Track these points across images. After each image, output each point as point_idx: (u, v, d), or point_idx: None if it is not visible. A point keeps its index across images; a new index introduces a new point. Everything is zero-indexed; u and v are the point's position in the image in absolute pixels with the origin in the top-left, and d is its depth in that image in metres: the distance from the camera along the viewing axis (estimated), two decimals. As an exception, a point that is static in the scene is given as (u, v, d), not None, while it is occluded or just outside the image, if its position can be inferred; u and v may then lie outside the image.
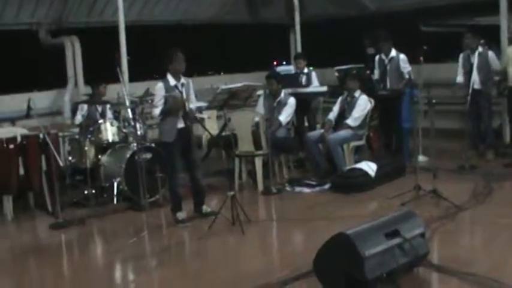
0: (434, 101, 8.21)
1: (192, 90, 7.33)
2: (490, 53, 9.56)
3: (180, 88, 7.10)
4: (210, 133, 8.05)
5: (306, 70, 10.60)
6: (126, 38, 10.06)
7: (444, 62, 11.93)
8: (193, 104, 7.34)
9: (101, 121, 8.54)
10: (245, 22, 13.75)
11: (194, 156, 7.42)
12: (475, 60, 9.33)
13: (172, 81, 7.09)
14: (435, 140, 8.34)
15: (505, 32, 9.93)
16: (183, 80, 7.17)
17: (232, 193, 6.92)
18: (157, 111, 7.06)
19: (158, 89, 7.08)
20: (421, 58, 7.80)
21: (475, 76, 9.31)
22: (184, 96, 7.10)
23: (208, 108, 8.88)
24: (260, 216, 7.80)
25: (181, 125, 7.12)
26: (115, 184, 8.25)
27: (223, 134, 9.12)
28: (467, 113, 9.51)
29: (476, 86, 9.36)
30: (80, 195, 8.41)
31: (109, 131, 8.48)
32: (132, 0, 11.36)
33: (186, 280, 5.61)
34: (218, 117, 9.87)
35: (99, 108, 8.99)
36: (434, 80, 10.03)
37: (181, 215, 7.29)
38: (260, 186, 8.63)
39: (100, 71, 9.83)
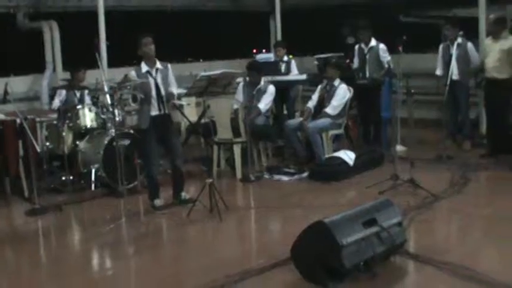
0: (413, 91, 8.26)
1: (171, 75, 7.30)
2: (469, 45, 9.63)
3: (153, 74, 7.10)
4: (188, 120, 8.01)
5: (285, 58, 10.61)
6: (105, 23, 9.98)
7: (423, 53, 11.99)
8: (173, 88, 7.30)
9: (79, 107, 8.47)
10: (226, 9, 13.69)
11: (174, 143, 7.39)
12: (453, 51, 9.40)
13: (144, 67, 7.10)
14: (413, 129, 8.40)
15: (483, 24, 9.99)
16: (158, 65, 7.16)
17: (210, 180, 6.92)
18: (130, 97, 7.12)
19: (131, 76, 7.11)
20: (400, 48, 7.83)
21: (453, 67, 9.38)
22: (159, 81, 7.09)
23: (187, 95, 8.83)
24: (238, 203, 7.80)
25: (155, 112, 7.11)
26: (93, 170, 8.19)
27: (202, 121, 9.10)
28: (445, 104, 9.57)
29: (455, 77, 9.42)
30: (57, 181, 8.35)
31: (87, 117, 8.42)
32: (111, -15, 11.26)
33: (164, 267, 5.61)
34: (197, 104, 9.83)
35: (77, 94, 8.93)
36: (413, 70, 10.08)
37: (158, 202, 7.29)
38: (238, 174, 8.63)
39: (79, 56, 9.74)
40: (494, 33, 8.94)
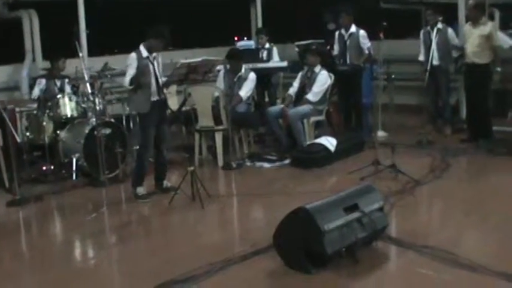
0: (393, 76, 8.30)
1: (160, 65, 7.32)
2: (450, 30, 9.69)
3: (151, 61, 7.11)
4: (170, 108, 8.01)
5: (267, 45, 10.60)
6: (85, 11, 9.92)
7: (403, 38, 12.03)
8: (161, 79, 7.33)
9: (59, 96, 8.41)
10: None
11: (164, 130, 7.39)
12: (433, 36, 9.45)
13: (144, 52, 7.08)
14: (394, 115, 8.44)
15: (463, 10, 10.03)
16: (154, 53, 7.17)
17: (192, 168, 6.91)
18: (127, 79, 7.02)
19: (131, 58, 7.05)
20: (381, 34, 7.85)
21: (434, 52, 9.43)
22: (156, 68, 7.12)
23: (167, 82, 8.81)
24: (220, 191, 7.80)
25: (155, 97, 7.11)
26: (74, 160, 8.15)
27: (183, 109, 9.08)
28: (426, 89, 9.63)
29: (435, 62, 9.48)
30: (38, 172, 8.29)
31: (67, 106, 8.36)
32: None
33: (146, 256, 5.60)
34: (178, 92, 9.82)
35: (58, 83, 8.87)
36: (394, 56, 10.11)
37: (141, 190, 7.28)
38: (220, 162, 8.63)
39: (59, 45, 9.67)
40: (473, 18, 8.99)
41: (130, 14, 12.62)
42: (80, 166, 8.15)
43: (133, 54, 7.07)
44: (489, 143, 8.80)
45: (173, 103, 9.24)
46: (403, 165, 7.50)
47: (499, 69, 8.87)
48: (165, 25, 7.16)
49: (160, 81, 7.15)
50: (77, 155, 8.12)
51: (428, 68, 9.24)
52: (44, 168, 8.23)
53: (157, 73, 7.12)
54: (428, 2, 12.28)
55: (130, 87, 7.08)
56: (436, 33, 9.46)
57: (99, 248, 5.91)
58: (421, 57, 9.86)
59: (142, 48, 7.09)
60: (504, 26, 10.85)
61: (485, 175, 7.80)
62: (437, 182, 7.32)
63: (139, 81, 6.97)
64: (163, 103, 7.26)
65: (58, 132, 8.37)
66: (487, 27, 8.86)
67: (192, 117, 8.60)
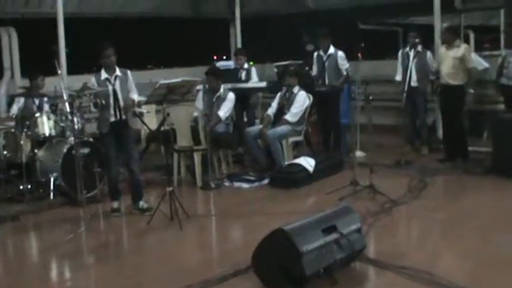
0: (371, 97, 8.36)
1: (131, 82, 7.36)
2: (429, 54, 9.84)
3: (112, 81, 7.16)
4: (148, 128, 7.99)
5: (245, 65, 10.64)
6: (65, 30, 9.91)
7: (381, 59, 12.14)
8: (133, 95, 7.36)
9: (37, 114, 8.35)
10: (186, 16, 13.68)
11: (130, 148, 7.41)
12: (411, 58, 9.58)
13: (104, 75, 7.18)
14: (372, 135, 8.50)
15: (439, 32, 10.17)
16: (117, 72, 7.22)
17: (170, 188, 6.91)
18: (91, 104, 7.15)
19: (90, 84, 7.17)
20: (360, 55, 7.93)
21: (412, 74, 9.56)
22: (117, 88, 7.14)
23: (146, 102, 8.80)
24: (198, 211, 7.77)
25: (113, 118, 7.15)
26: (51, 179, 8.07)
27: (162, 128, 9.06)
28: (403, 110, 9.73)
29: (413, 83, 9.61)
30: (14, 191, 8.21)
31: (46, 125, 8.30)
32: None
33: (124, 277, 5.56)
34: (157, 112, 9.81)
35: (36, 101, 8.82)
36: (372, 76, 10.20)
37: (115, 204, 7.38)
38: (199, 182, 8.62)
39: (37, 63, 9.64)
40: (448, 41, 9.13)
41: (110, 33, 12.61)
42: (58, 185, 8.09)
43: (92, 79, 7.23)
44: (466, 163, 8.90)
45: (152, 123, 9.22)
46: (381, 185, 7.55)
47: (472, 91, 9.00)
48: (105, 42, 7.27)
49: (120, 102, 7.16)
50: (54, 174, 8.06)
51: (406, 89, 9.36)
52: (21, 187, 8.16)
53: (118, 94, 7.15)
54: (405, 23, 12.46)
55: (95, 110, 7.19)
56: (415, 55, 9.60)
57: (75, 269, 5.86)
58: (398, 77, 10.00)
59: (102, 70, 7.21)
60: (479, 48, 11.04)
61: (462, 195, 7.88)
62: (414, 202, 7.36)
63: (98, 103, 7.06)
64: (123, 124, 7.25)
65: (36, 151, 8.31)
66: (461, 49, 9.01)
67: (170, 137, 8.58)
